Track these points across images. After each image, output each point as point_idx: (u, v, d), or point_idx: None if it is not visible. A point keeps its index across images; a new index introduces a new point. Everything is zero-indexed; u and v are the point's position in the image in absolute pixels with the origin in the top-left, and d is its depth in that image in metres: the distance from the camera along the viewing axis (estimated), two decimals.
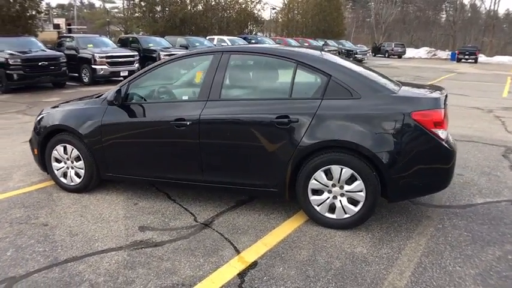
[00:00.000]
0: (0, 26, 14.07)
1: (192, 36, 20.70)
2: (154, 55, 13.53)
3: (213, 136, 3.01)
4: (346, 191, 2.78)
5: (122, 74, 11.74)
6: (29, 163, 4.28)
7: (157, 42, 14.94)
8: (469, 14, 53.61)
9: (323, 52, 3.18)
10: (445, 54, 37.00)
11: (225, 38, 20.36)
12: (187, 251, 2.59)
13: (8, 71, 9.71)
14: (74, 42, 12.38)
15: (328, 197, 2.83)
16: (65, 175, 3.59)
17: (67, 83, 11.48)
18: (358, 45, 31.73)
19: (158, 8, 26.74)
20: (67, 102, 3.97)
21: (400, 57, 34.26)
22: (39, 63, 10.17)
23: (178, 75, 3.88)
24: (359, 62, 24.19)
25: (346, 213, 2.82)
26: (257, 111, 2.91)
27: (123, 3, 32.54)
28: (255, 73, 3.42)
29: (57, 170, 3.60)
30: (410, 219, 3.07)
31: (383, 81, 3.00)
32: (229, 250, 2.61)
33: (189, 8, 27.85)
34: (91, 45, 12.30)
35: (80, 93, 6.56)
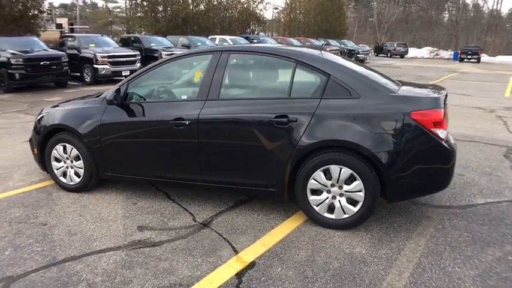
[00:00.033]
0: (3, 25, 14.12)
1: (194, 36, 20.71)
2: (156, 55, 13.54)
3: (211, 136, 3.00)
4: (345, 191, 2.76)
5: (123, 73, 11.75)
6: (29, 162, 4.29)
7: (159, 42, 14.96)
8: (472, 14, 53.37)
9: (322, 51, 3.16)
10: (447, 54, 36.85)
11: (227, 37, 20.36)
12: (186, 251, 2.59)
13: (10, 71, 9.74)
14: (75, 41, 12.41)
15: (327, 197, 2.82)
16: (64, 174, 3.59)
17: (69, 82, 11.50)
18: (360, 45, 31.64)
19: (160, 8, 26.77)
20: (67, 101, 3.98)
21: (402, 57, 34.14)
22: (41, 63, 10.20)
23: (178, 74, 3.88)
24: (361, 61, 24.13)
25: (345, 214, 2.81)
26: (256, 111, 2.90)
27: (125, 3, 32.58)
28: (254, 72, 3.41)
29: (57, 169, 3.60)
30: (410, 220, 3.05)
31: (382, 80, 2.99)
32: (227, 250, 2.60)
33: (191, 7, 27.88)
34: (93, 45, 12.33)
35: (81, 93, 6.57)
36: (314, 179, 2.79)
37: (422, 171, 2.70)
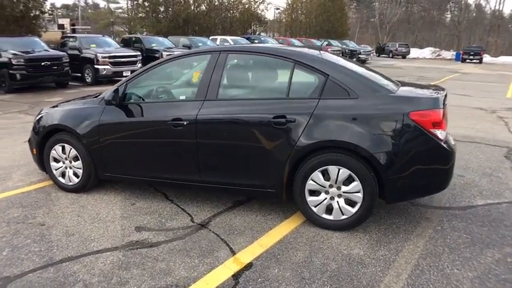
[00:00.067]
0: (4, 26, 14.16)
1: (195, 36, 20.73)
2: (157, 55, 13.57)
3: (210, 136, 3.00)
4: (344, 192, 2.75)
5: (124, 74, 11.76)
6: (28, 163, 4.29)
7: (160, 42, 14.99)
8: (474, 14, 53.23)
9: (321, 51, 3.15)
10: (449, 54, 36.74)
11: (228, 38, 20.37)
12: (183, 252, 2.58)
13: (11, 71, 9.77)
14: (77, 42, 12.43)
15: (326, 198, 2.81)
16: (63, 175, 3.59)
17: (70, 83, 11.52)
18: (362, 46, 31.61)
19: (161, 8, 26.82)
20: (67, 101, 3.98)
21: (404, 57, 34.07)
22: (42, 63, 10.23)
23: (176, 74, 3.87)
24: (363, 62, 24.05)
25: (343, 215, 2.79)
26: (254, 111, 2.89)
27: (127, 4, 32.71)
28: (253, 73, 3.40)
29: (56, 169, 3.60)
30: (409, 221, 3.04)
31: (381, 81, 2.97)
32: (224, 251, 2.59)
33: (193, 8, 27.92)
34: (94, 45, 12.35)
35: (82, 93, 6.59)
36: (312, 180, 2.78)
37: (421, 172, 2.68)
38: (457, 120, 6.74)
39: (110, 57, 11.71)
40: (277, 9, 42.10)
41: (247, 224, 2.98)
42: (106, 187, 3.68)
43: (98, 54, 11.59)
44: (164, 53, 13.45)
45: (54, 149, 3.55)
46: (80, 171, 3.49)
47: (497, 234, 2.84)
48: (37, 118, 3.78)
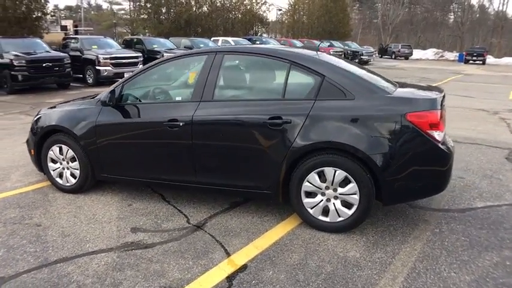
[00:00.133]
0: (6, 27, 14.25)
1: (197, 37, 20.77)
2: (158, 56, 13.58)
3: (206, 137, 2.98)
4: (340, 194, 2.73)
5: (125, 75, 11.79)
6: (27, 163, 4.29)
7: (161, 44, 15.03)
8: (477, 15, 53.00)
9: (319, 52, 3.14)
10: (452, 55, 36.60)
11: (230, 39, 20.40)
12: (177, 253, 2.56)
13: (12, 72, 9.82)
14: (78, 43, 12.49)
15: (322, 200, 2.79)
16: (60, 176, 3.59)
17: (71, 84, 11.57)
18: (365, 47, 31.56)
19: (163, 10, 26.90)
20: (65, 102, 3.99)
21: (407, 58, 33.96)
22: (44, 65, 10.27)
23: (173, 75, 3.87)
24: (365, 63, 23.95)
25: (339, 216, 2.77)
26: (250, 112, 2.88)
27: (129, 5, 32.80)
28: (249, 73, 3.38)
29: (53, 170, 3.60)
30: (407, 223, 3.01)
31: (378, 81, 2.95)
32: (219, 253, 2.58)
33: (194, 9, 27.99)
34: (95, 47, 12.40)
35: (83, 94, 6.60)
36: (308, 181, 2.76)
37: (418, 173, 2.65)
38: (458, 122, 6.70)
39: (111, 58, 11.76)
40: (279, 10, 42.18)
41: (243, 225, 2.96)
42: (103, 188, 3.68)
43: (100, 56, 11.63)
44: (165, 54, 13.47)
45: (52, 150, 3.55)
46: (77, 172, 3.48)
47: (496, 237, 2.81)
48: (35, 119, 3.78)
